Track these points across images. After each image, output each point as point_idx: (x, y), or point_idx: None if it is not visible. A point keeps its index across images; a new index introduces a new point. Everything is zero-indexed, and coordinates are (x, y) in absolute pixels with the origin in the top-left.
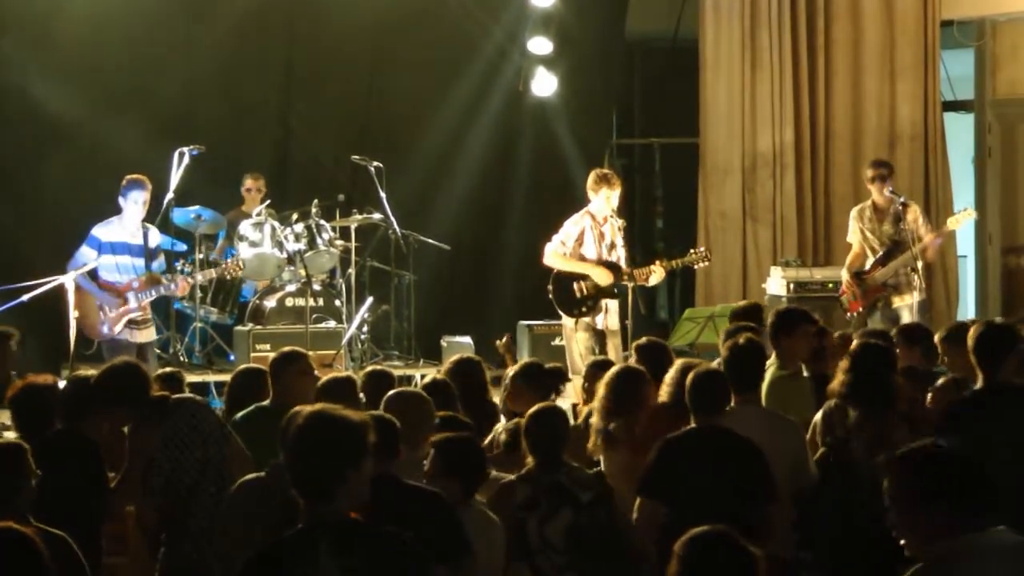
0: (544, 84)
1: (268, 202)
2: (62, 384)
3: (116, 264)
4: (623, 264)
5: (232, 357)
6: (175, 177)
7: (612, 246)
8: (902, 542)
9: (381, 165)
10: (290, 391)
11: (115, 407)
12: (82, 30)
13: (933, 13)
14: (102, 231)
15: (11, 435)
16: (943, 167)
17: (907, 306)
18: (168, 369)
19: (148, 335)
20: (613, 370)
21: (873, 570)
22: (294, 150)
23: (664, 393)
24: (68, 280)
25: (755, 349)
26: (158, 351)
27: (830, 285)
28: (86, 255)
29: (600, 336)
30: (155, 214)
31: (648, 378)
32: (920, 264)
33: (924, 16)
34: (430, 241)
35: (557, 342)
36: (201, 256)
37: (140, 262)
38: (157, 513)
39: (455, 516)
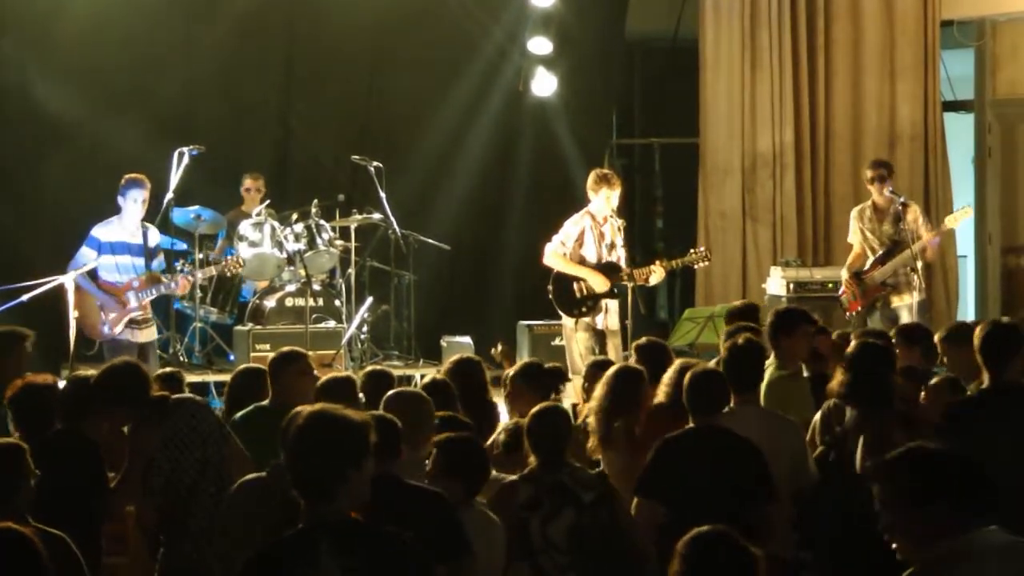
0: (544, 84)
1: (268, 202)
2: (62, 384)
3: (116, 264)
4: (623, 264)
5: (232, 357)
6: (175, 177)
7: (612, 246)
8: (894, 546)
9: (381, 165)
10: (289, 391)
11: (115, 407)
12: (82, 30)
13: (933, 13)
14: (101, 231)
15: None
16: (943, 167)
17: (906, 306)
18: (168, 369)
19: (149, 335)
20: (612, 370)
21: (873, 570)
22: (294, 150)
23: (662, 393)
24: (68, 280)
25: (754, 349)
26: (158, 351)
27: (830, 285)
28: (86, 255)
29: (600, 336)
30: (155, 214)
31: (647, 378)
32: (920, 264)
33: (924, 16)
34: (430, 241)
35: (557, 342)
36: (201, 256)
37: (140, 261)
38: (157, 513)
39: (456, 516)
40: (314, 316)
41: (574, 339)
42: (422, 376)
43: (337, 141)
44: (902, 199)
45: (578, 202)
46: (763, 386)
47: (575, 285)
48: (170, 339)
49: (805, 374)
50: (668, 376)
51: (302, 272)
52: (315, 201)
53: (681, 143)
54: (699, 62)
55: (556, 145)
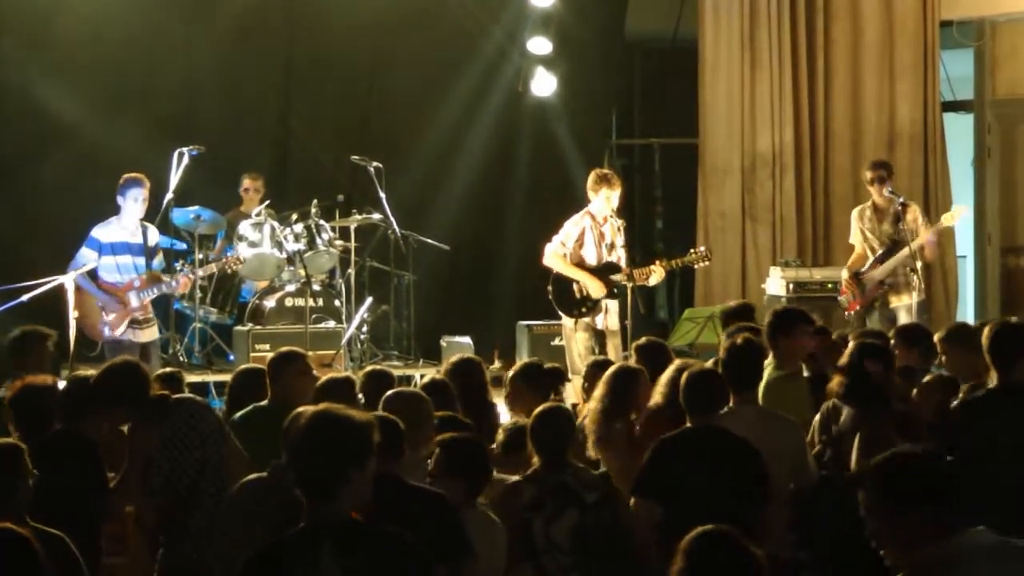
0: (544, 84)
1: (268, 202)
2: (62, 384)
3: (116, 264)
4: (623, 264)
5: (232, 357)
6: (175, 177)
7: (612, 246)
8: (882, 552)
9: (380, 165)
10: (288, 391)
11: (115, 407)
12: (82, 30)
13: (932, 13)
14: (101, 232)
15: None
16: (942, 167)
17: (904, 306)
18: (168, 369)
19: (151, 334)
20: (611, 370)
21: (872, 570)
22: (294, 150)
23: (659, 394)
24: (68, 280)
25: (753, 349)
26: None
27: (829, 285)
28: (86, 256)
29: (600, 336)
30: (155, 214)
31: (646, 378)
32: (919, 264)
33: (923, 16)
34: (430, 241)
35: (557, 342)
36: (200, 256)
37: (140, 261)
38: (156, 513)
39: (456, 517)
40: (314, 316)
41: (574, 339)
42: (422, 376)
43: (337, 141)
44: (902, 199)
45: (578, 202)
46: (761, 386)
47: (575, 285)
48: (170, 339)
49: (806, 374)
50: (666, 376)
51: (302, 272)
52: (315, 201)
53: (681, 143)
54: (698, 62)
55: (556, 145)
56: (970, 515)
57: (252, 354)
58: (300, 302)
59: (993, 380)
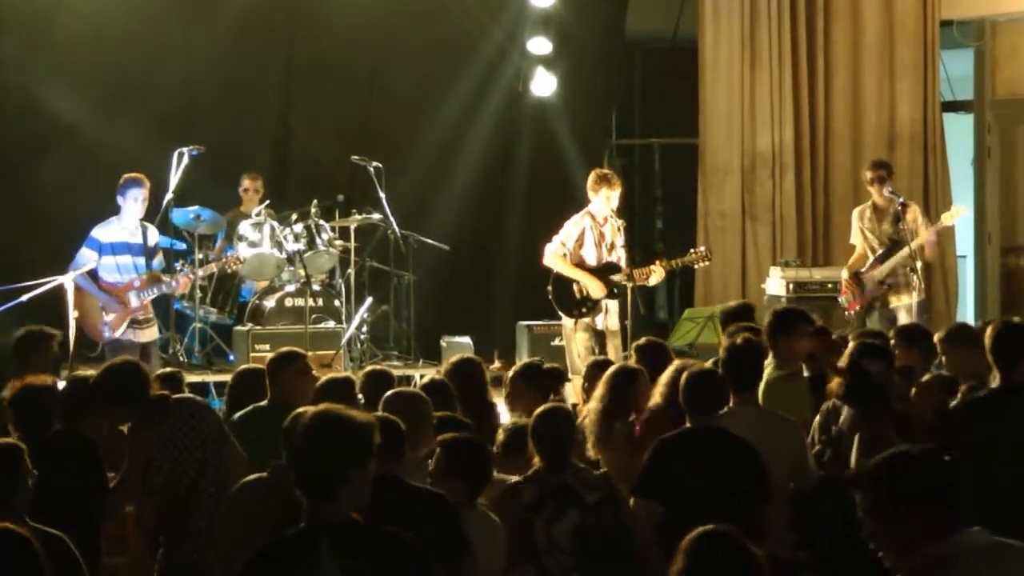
0: (544, 84)
1: (267, 202)
2: (61, 384)
3: (117, 264)
4: (623, 264)
5: (231, 357)
6: (174, 177)
7: (612, 246)
8: (880, 554)
9: (380, 165)
10: (288, 391)
11: (114, 407)
12: (82, 30)
13: (933, 13)
14: (101, 232)
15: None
16: (942, 167)
17: (904, 306)
18: (168, 369)
19: (151, 334)
20: (611, 370)
21: (872, 570)
22: (294, 150)
23: (658, 394)
24: (68, 280)
25: (753, 349)
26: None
27: (830, 285)
28: (86, 257)
29: (600, 336)
30: (155, 214)
31: (646, 378)
32: (919, 264)
33: (924, 16)
34: (429, 241)
35: (557, 342)
36: (200, 256)
37: (141, 261)
38: (156, 513)
39: (456, 517)
40: (314, 316)
41: (574, 339)
42: (422, 376)
43: (337, 141)
44: (902, 199)
45: (578, 202)
46: (761, 386)
47: (575, 286)
48: (170, 339)
49: (806, 374)
50: (666, 376)
51: (302, 272)
52: (315, 201)
53: (681, 143)
54: (698, 62)
55: (556, 145)
56: (969, 515)
57: (252, 354)
58: (300, 302)
59: (995, 380)
